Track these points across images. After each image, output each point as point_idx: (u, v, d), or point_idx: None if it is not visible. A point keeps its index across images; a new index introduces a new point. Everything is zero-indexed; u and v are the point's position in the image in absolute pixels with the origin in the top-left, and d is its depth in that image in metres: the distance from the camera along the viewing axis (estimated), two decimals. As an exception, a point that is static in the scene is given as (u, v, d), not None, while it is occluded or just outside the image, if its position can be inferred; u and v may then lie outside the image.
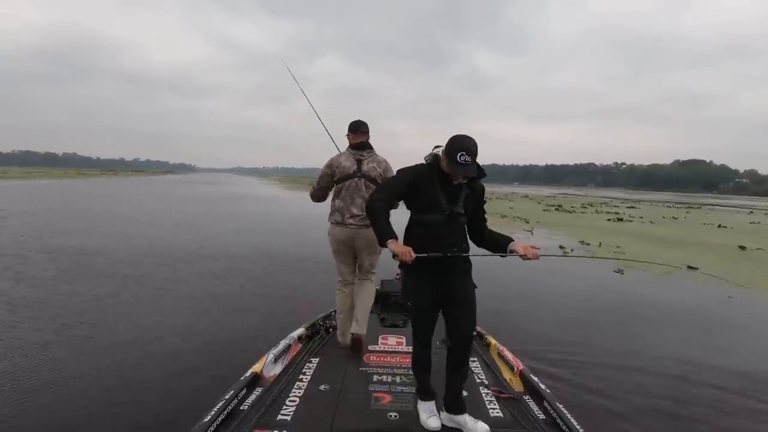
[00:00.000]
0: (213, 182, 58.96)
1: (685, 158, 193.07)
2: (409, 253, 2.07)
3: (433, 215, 2.20)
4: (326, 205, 3.31)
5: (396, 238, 2.11)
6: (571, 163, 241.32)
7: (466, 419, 2.25)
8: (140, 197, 24.05)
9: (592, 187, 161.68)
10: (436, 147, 2.25)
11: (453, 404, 2.28)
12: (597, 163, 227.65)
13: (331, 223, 3.17)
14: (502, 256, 2.26)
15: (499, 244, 2.31)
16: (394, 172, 2.75)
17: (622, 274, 7.53)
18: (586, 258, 8.97)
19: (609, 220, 18.67)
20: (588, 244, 10.87)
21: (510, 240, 2.29)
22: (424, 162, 2.26)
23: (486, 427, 2.22)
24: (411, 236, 2.25)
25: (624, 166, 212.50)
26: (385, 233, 2.11)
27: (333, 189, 3.22)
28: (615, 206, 30.31)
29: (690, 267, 8.19)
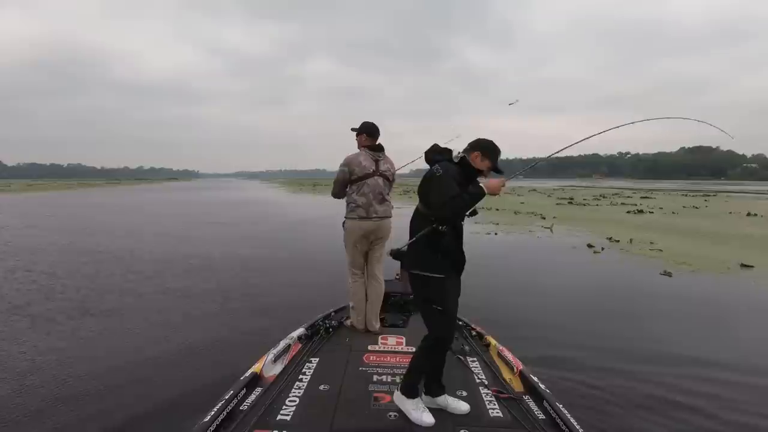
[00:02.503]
0: (215, 188, 58.38)
1: (691, 145, 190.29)
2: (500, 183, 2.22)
3: None
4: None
5: (480, 185, 2.19)
6: (575, 154, 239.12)
7: (447, 399, 2.40)
8: (139, 208, 23.32)
9: (598, 177, 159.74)
10: (434, 145, 2.39)
11: (434, 388, 2.41)
12: (601, 153, 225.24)
13: (354, 218, 3.40)
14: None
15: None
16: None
17: (671, 276, 6.61)
18: (615, 252, 8.12)
19: (629, 212, 17.71)
20: (617, 241, 9.96)
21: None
22: (452, 159, 2.30)
23: (467, 405, 2.38)
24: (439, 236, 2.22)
25: (629, 156, 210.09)
26: (473, 194, 2.15)
27: (350, 186, 3.43)
28: (628, 197, 29.29)
29: (744, 265, 7.27)
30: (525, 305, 5.28)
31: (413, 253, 2.27)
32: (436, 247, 2.22)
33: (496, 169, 2.29)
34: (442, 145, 2.40)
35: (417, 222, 2.29)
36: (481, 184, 2.15)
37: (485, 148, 2.27)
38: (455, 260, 2.29)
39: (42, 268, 6.93)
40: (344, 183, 3.44)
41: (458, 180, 2.19)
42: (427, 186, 2.23)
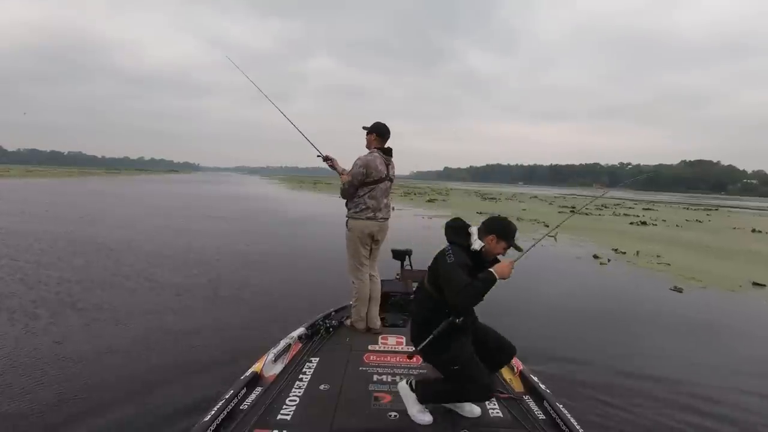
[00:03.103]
0: (216, 182, 58.15)
1: (691, 158, 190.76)
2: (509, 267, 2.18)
3: None
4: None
5: (490, 270, 2.15)
6: (576, 162, 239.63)
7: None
8: (139, 199, 23.15)
9: (598, 187, 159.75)
10: (458, 219, 2.43)
11: None
12: (602, 162, 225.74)
13: (361, 218, 3.41)
14: None
15: None
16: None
17: (681, 292, 6.47)
18: (621, 264, 7.97)
19: (632, 223, 17.59)
20: (623, 253, 9.83)
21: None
22: (468, 245, 2.29)
23: (479, 409, 2.36)
24: (451, 325, 2.21)
25: (630, 167, 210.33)
26: (485, 280, 2.12)
27: (361, 188, 3.40)
28: (630, 208, 29.19)
29: (755, 284, 7.14)
30: (527, 311, 5.24)
31: (429, 346, 2.22)
32: (453, 333, 2.22)
33: (513, 246, 2.30)
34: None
35: (425, 305, 2.30)
36: (491, 269, 2.14)
37: (500, 231, 2.28)
38: (467, 327, 2.32)
39: (38, 258, 6.77)
40: (359, 184, 3.41)
41: (470, 265, 2.20)
42: (439, 268, 2.23)
